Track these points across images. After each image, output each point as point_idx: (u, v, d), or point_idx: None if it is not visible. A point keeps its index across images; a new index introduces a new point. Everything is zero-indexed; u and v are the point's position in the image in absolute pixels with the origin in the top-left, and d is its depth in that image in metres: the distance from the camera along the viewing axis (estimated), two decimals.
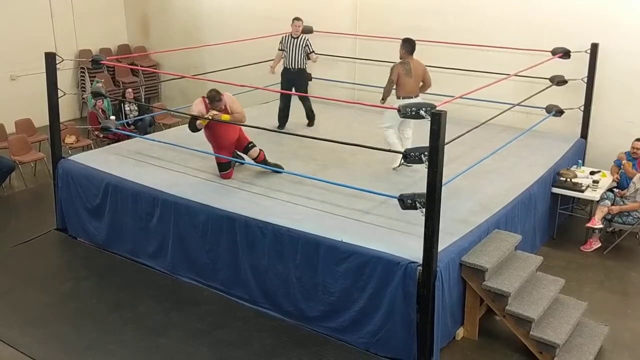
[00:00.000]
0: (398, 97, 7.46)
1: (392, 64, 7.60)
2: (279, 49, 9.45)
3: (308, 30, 10.84)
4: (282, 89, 9.39)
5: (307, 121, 9.58)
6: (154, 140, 8.60)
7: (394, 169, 7.53)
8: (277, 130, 6.94)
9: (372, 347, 5.83)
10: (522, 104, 7.99)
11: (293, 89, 9.35)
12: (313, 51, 9.36)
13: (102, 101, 10.75)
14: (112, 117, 10.61)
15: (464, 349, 5.95)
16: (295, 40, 9.30)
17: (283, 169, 7.36)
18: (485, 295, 5.80)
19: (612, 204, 7.66)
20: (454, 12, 9.74)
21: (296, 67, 9.31)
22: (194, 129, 7.16)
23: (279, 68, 9.56)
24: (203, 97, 7.18)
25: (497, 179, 7.36)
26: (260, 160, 7.42)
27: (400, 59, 7.58)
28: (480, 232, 6.17)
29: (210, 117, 6.97)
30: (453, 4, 9.78)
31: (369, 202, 6.57)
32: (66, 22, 13.05)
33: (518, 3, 9.31)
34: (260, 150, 7.43)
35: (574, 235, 8.11)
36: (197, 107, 7.17)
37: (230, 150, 7.40)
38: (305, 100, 9.52)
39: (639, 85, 8.59)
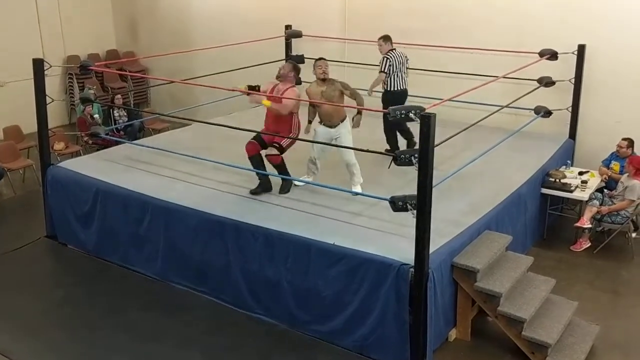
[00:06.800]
0: None
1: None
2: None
3: (297, 34, 10.86)
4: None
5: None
6: (143, 145, 8.57)
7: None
8: (276, 134, 6.82)
9: (365, 350, 5.82)
10: (511, 105, 8.03)
11: None
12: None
13: (92, 107, 10.70)
14: (96, 116, 10.54)
15: (457, 350, 5.96)
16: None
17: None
18: (477, 296, 5.82)
19: (601, 205, 7.71)
20: (442, 15, 9.78)
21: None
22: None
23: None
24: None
25: (486, 180, 7.38)
26: (276, 162, 6.96)
27: None
28: (471, 233, 6.19)
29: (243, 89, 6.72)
30: (441, 7, 9.83)
31: (360, 205, 6.58)
32: (54, 27, 13.00)
33: (506, 5, 9.37)
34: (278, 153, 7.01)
35: (564, 235, 8.15)
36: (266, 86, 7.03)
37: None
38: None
39: (626, 86, 8.66)
